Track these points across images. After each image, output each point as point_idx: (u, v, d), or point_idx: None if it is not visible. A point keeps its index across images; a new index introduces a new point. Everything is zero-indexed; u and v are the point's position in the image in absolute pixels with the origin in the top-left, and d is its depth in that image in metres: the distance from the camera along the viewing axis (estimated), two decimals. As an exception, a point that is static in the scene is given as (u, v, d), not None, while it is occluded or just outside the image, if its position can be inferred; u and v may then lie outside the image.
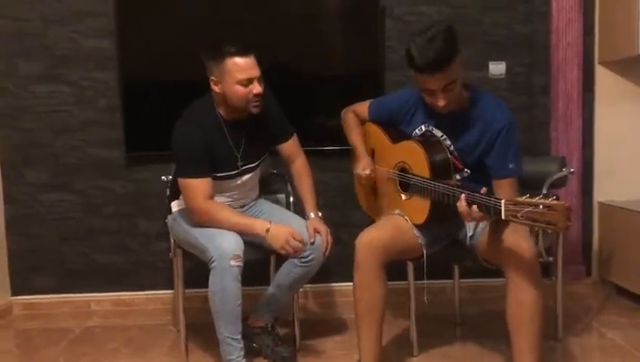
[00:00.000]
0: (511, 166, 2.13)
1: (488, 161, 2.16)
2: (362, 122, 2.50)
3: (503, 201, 1.83)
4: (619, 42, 3.07)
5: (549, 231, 1.81)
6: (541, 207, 1.73)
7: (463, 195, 1.96)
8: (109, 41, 3.11)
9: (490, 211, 1.88)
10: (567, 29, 3.15)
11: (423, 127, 2.26)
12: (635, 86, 3.27)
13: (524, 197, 1.79)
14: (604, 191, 3.31)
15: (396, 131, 2.35)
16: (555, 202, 1.72)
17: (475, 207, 1.93)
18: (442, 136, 2.22)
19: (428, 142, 2.21)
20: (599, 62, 3.25)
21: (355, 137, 2.47)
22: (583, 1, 3.16)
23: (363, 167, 2.37)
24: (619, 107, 3.27)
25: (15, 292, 3.25)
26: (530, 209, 1.75)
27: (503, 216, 1.82)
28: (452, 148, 2.20)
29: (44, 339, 2.87)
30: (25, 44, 3.12)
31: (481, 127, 2.15)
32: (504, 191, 2.07)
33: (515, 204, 1.80)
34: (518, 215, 1.78)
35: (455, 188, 2.01)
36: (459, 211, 1.98)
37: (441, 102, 2.07)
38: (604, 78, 3.26)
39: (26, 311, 3.24)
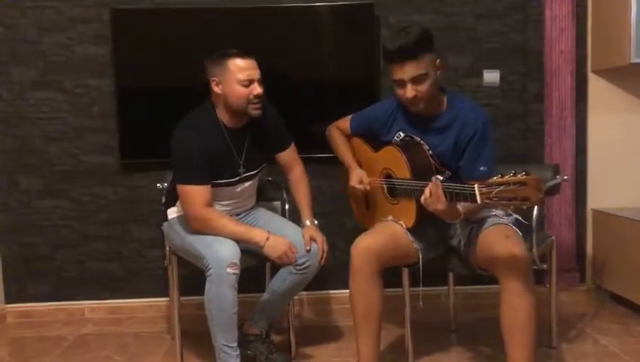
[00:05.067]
0: (482, 168, 2.16)
1: (460, 162, 2.21)
2: (347, 137, 2.54)
3: (476, 185, 1.84)
4: (611, 51, 3.09)
5: (524, 208, 1.81)
6: (513, 184, 1.74)
7: (432, 182, 1.98)
8: (103, 48, 3.11)
9: (466, 198, 1.89)
10: (560, 37, 3.17)
11: (401, 133, 2.29)
12: (627, 94, 3.30)
13: (495, 178, 1.80)
14: (598, 199, 3.32)
15: (377, 141, 2.39)
16: (525, 177, 1.73)
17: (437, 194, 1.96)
18: (420, 141, 2.25)
19: (406, 146, 2.25)
20: (592, 71, 3.28)
21: (343, 151, 2.50)
22: (575, 10, 3.18)
23: (357, 180, 2.37)
24: (612, 115, 3.29)
25: (9, 300, 3.22)
26: (502, 188, 1.76)
27: (478, 200, 1.83)
28: (431, 152, 2.23)
29: (38, 347, 2.85)
30: (19, 51, 3.11)
31: (457, 129, 2.19)
32: None
33: (488, 185, 1.80)
34: (492, 196, 1.78)
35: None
36: (422, 202, 2.01)
37: (410, 94, 2.10)
38: (597, 86, 3.29)
39: (19, 318, 3.22)
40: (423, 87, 2.10)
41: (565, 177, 2.75)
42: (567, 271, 3.29)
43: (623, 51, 2.97)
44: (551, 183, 2.65)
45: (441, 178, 2.06)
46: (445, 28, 3.14)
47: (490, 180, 1.80)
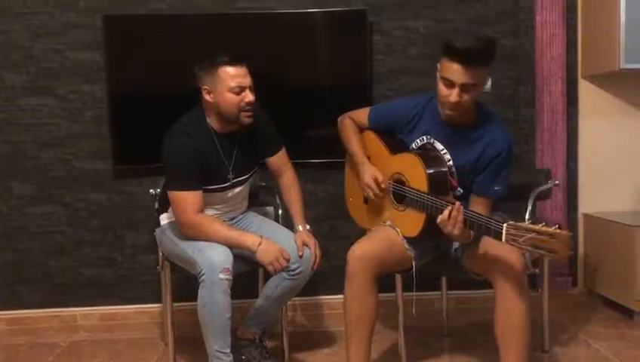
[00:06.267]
0: (496, 188, 2.17)
1: (477, 178, 2.19)
2: (360, 129, 2.47)
3: (505, 226, 1.84)
4: (601, 57, 3.12)
5: (549, 259, 1.83)
6: (543, 234, 1.75)
7: (454, 205, 1.98)
8: (96, 54, 3.11)
9: (489, 232, 1.90)
10: (551, 43, 3.20)
11: (424, 138, 2.25)
12: (617, 99, 3.32)
13: (526, 223, 1.81)
14: (589, 203, 3.35)
15: (395, 141, 2.34)
16: (559, 231, 1.74)
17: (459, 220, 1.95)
18: (443, 150, 2.21)
19: (428, 156, 2.19)
20: (582, 76, 3.30)
21: (354, 145, 2.41)
22: (566, 17, 3.21)
23: (372, 177, 2.29)
24: (602, 120, 3.32)
25: (0, 306, 3.20)
26: (532, 235, 1.77)
27: (503, 240, 1.85)
28: (451, 163, 2.20)
29: (30, 355, 2.84)
30: (11, 56, 3.10)
31: (482, 148, 2.16)
32: (478, 208, 2.10)
33: (517, 228, 1.81)
34: (520, 240, 1.79)
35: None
36: (438, 221, 2.00)
37: (454, 98, 2.05)
38: (588, 92, 3.31)
39: (11, 326, 3.20)
40: (468, 97, 2.06)
41: (556, 182, 2.77)
42: (559, 275, 3.30)
43: (613, 57, 2.99)
44: (542, 188, 2.67)
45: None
46: (438, 34, 3.15)
47: (520, 224, 1.81)
